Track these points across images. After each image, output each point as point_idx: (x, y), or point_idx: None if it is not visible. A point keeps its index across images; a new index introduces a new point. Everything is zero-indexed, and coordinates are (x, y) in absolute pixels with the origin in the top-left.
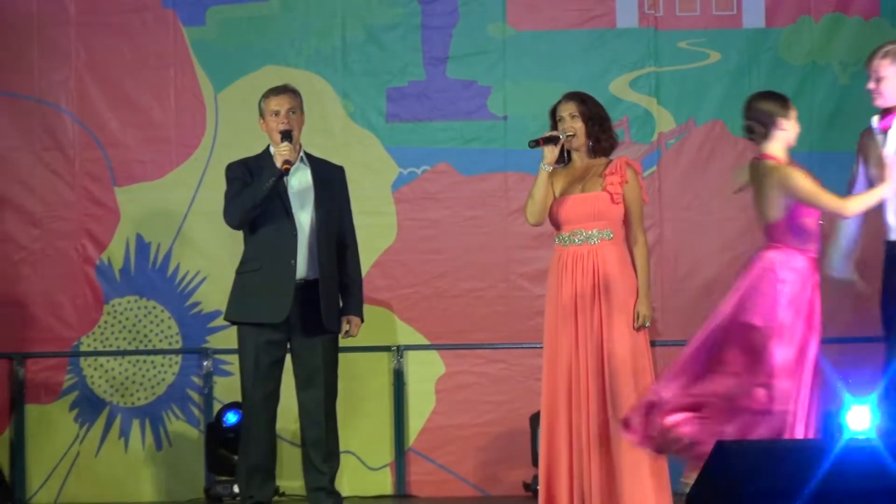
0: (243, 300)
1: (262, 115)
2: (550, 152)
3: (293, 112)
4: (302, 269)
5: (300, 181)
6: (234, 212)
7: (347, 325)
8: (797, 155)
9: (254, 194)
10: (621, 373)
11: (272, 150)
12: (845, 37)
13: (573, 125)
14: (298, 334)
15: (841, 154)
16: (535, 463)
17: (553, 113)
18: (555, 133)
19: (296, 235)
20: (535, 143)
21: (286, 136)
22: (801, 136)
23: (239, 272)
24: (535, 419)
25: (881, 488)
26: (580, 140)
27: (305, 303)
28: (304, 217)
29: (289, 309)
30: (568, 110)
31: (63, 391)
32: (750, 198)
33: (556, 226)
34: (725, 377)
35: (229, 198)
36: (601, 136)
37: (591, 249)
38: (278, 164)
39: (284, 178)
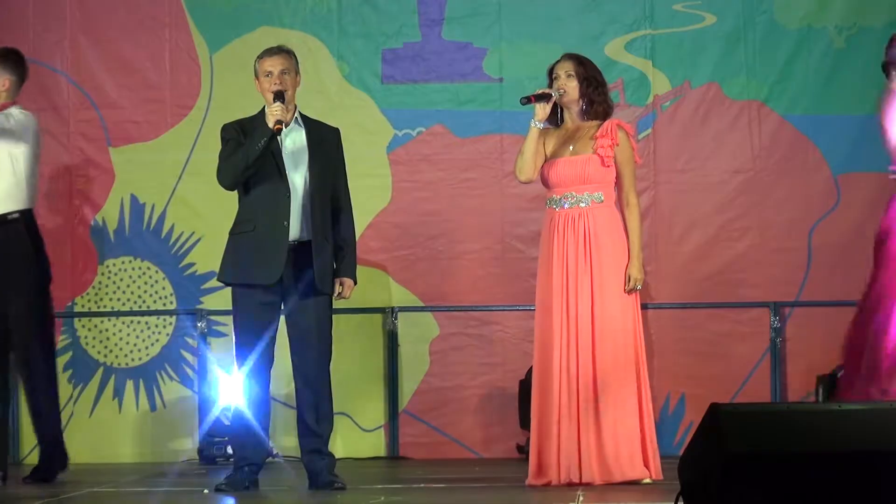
0: (236, 261)
1: (256, 75)
2: (542, 109)
3: (286, 73)
4: (295, 230)
5: (294, 142)
6: (227, 173)
7: (340, 287)
8: (792, 118)
9: (245, 155)
10: (610, 336)
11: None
12: (841, 0)
13: (567, 84)
14: (292, 296)
15: (836, 117)
16: (522, 426)
17: (550, 72)
18: (547, 90)
19: (289, 196)
20: (528, 100)
21: (279, 96)
22: (796, 100)
23: (232, 233)
24: (524, 384)
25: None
26: (571, 98)
27: (299, 264)
28: (297, 178)
29: (281, 270)
30: (564, 69)
31: (57, 352)
32: (746, 160)
33: (548, 188)
34: None
35: (222, 159)
36: (595, 98)
37: (581, 212)
38: (270, 124)
39: (278, 139)
